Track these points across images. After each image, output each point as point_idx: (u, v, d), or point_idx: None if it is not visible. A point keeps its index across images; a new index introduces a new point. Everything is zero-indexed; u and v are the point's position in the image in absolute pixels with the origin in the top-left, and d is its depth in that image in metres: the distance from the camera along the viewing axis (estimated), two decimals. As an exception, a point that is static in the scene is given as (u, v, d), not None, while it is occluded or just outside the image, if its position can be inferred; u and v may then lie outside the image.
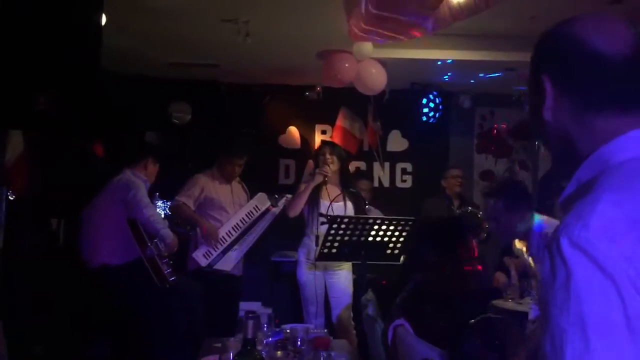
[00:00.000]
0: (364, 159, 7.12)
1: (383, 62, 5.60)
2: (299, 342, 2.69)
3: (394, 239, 4.38)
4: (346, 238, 4.30)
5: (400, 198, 6.91)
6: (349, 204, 4.88)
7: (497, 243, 5.01)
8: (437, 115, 6.69)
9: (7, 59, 2.97)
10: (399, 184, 7.20)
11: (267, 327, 2.89)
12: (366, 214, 4.92)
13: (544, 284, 0.91)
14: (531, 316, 3.40)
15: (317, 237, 4.60)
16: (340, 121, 6.91)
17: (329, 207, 4.73)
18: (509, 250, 4.32)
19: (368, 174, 6.97)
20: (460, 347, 2.26)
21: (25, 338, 4.56)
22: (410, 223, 4.37)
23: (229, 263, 5.18)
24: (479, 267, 5.24)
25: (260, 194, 5.42)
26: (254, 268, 5.86)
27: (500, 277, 5.14)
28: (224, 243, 5.13)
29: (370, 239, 4.33)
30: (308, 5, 4.52)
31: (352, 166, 6.36)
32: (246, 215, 5.28)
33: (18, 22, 2.98)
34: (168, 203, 5.55)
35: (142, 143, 6.20)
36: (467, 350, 2.22)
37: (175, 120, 6.69)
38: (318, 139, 7.04)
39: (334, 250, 4.37)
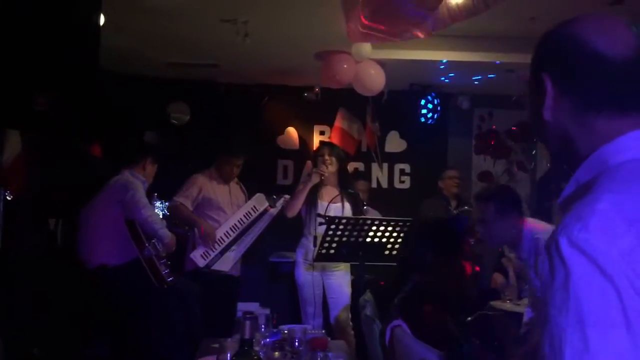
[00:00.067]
0: (362, 159, 7.12)
1: (382, 63, 5.61)
2: (296, 343, 2.69)
3: (392, 240, 4.38)
4: (344, 239, 4.30)
5: (398, 199, 6.92)
6: (347, 205, 4.88)
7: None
8: (435, 116, 6.69)
9: (6, 59, 2.97)
10: (397, 185, 7.20)
11: (264, 328, 2.89)
12: (364, 215, 4.92)
13: (542, 284, 0.91)
14: (525, 318, 3.41)
15: (315, 237, 4.59)
16: (338, 122, 6.92)
17: (326, 207, 4.73)
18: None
19: (366, 175, 6.97)
20: (458, 348, 2.27)
21: (23, 338, 4.56)
22: (408, 224, 4.37)
23: (227, 263, 5.18)
24: (477, 268, 5.26)
25: (258, 194, 5.42)
26: (252, 269, 5.85)
27: (498, 278, 5.15)
28: (221, 244, 5.13)
29: (369, 239, 4.33)
30: (307, 5, 4.52)
31: (351, 167, 6.36)
32: (244, 215, 5.27)
33: (17, 22, 2.98)
34: (166, 203, 5.55)
35: (140, 143, 6.20)
36: (466, 351, 2.22)
37: (174, 121, 6.69)
38: (316, 139, 7.04)
39: (332, 251, 4.37)
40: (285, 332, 2.87)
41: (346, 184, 5.02)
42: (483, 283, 5.28)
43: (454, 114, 7.03)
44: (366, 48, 5.28)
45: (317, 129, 7.14)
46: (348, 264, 4.89)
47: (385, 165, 7.15)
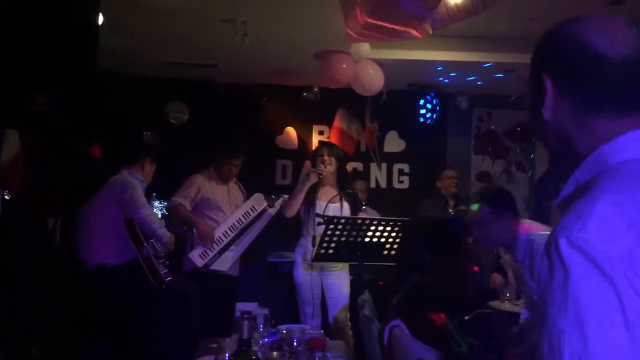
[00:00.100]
0: (361, 159, 7.11)
1: (380, 63, 5.61)
2: (295, 343, 2.68)
3: (390, 239, 4.38)
4: (343, 239, 4.30)
5: (397, 199, 6.91)
6: (346, 205, 4.88)
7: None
8: (434, 116, 6.69)
9: (5, 59, 2.97)
10: (396, 185, 7.20)
11: (263, 328, 2.89)
12: (363, 215, 4.92)
13: (541, 284, 0.91)
14: (521, 319, 3.41)
15: (314, 237, 4.59)
16: (337, 122, 6.91)
17: (325, 207, 4.72)
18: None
19: (365, 175, 6.97)
20: (457, 348, 2.26)
21: (22, 338, 4.55)
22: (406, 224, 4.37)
23: (226, 263, 5.18)
24: (475, 268, 5.26)
25: (257, 194, 5.41)
26: (251, 268, 5.85)
27: (497, 278, 5.16)
28: (220, 243, 5.13)
29: (367, 239, 4.34)
30: (306, 5, 4.52)
31: (349, 167, 6.36)
32: (243, 215, 5.27)
33: (16, 22, 2.98)
34: (165, 203, 5.54)
35: (139, 143, 6.19)
36: (464, 351, 2.22)
37: (173, 120, 6.68)
38: (315, 139, 7.04)
39: (330, 251, 4.37)
40: (284, 332, 2.86)
41: (345, 184, 5.02)
42: (482, 283, 5.27)
43: (452, 114, 7.03)
44: (365, 48, 5.28)
45: (316, 128, 7.14)
46: (347, 264, 4.89)
47: (384, 165, 7.15)
